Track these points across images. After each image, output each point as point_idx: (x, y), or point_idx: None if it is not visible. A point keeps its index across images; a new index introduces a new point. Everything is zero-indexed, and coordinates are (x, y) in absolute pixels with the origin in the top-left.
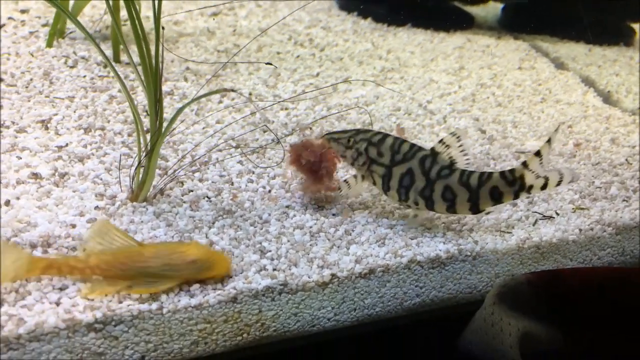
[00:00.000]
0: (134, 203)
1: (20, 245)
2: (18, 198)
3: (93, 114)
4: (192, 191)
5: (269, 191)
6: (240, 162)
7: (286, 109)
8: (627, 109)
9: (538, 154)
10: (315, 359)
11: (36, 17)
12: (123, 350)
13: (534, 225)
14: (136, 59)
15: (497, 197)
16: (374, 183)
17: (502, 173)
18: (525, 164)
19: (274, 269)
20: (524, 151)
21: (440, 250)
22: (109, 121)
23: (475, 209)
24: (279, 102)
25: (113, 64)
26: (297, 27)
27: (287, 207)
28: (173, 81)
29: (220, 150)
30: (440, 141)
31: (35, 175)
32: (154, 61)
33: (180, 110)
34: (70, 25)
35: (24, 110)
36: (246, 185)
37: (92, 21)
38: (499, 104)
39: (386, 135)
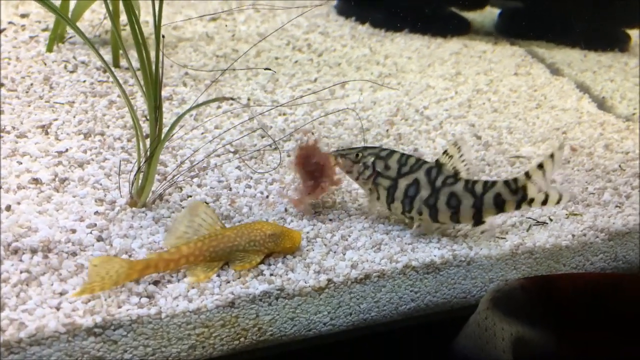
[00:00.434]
0: (133, 208)
1: (116, 255)
2: (19, 203)
3: (93, 119)
4: (190, 196)
5: (267, 197)
6: (238, 167)
7: (284, 114)
8: (621, 115)
9: (540, 166)
10: None
11: (36, 22)
12: (122, 354)
13: (527, 231)
14: (135, 64)
15: (500, 205)
16: (378, 197)
17: (505, 181)
18: (528, 175)
19: (271, 274)
20: (519, 156)
21: (435, 256)
22: (108, 126)
23: (478, 217)
24: (276, 106)
25: (112, 69)
26: (295, 32)
27: (285, 212)
28: (172, 86)
29: (218, 156)
30: (445, 152)
31: (36, 181)
32: (153, 67)
33: (180, 117)
34: (70, 30)
35: (24, 115)
36: (244, 191)
37: (92, 26)
38: (494, 110)
39: (393, 151)
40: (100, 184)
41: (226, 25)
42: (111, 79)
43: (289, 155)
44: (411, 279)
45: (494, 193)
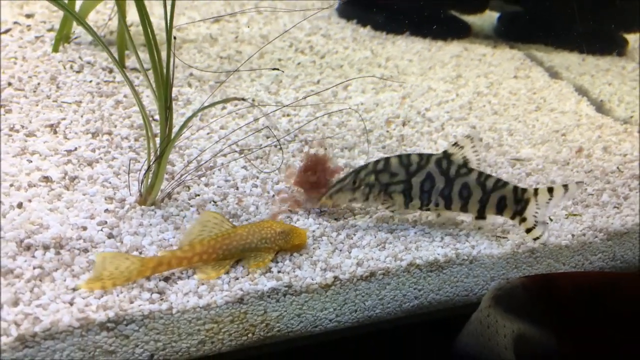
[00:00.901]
0: (143, 206)
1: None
2: (30, 200)
3: (100, 119)
4: (198, 195)
5: (273, 196)
6: (244, 167)
7: (288, 115)
8: (619, 117)
9: (550, 191)
10: (317, 359)
11: (41, 22)
12: (133, 348)
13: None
14: (143, 65)
15: (500, 209)
16: (394, 203)
17: (515, 187)
18: (535, 192)
19: (279, 271)
20: (519, 158)
21: (438, 254)
22: (115, 126)
23: (482, 212)
24: (280, 107)
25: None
26: (298, 34)
27: (291, 211)
28: (177, 87)
29: (224, 156)
30: (455, 144)
31: (46, 179)
32: (164, 68)
33: (191, 116)
34: (75, 30)
35: (32, 115)
36: (251, 190)
37: (97, 26)
38: (495, 112)
39: (387, 158)
40: (110, 183)
41: (248, 27)
42: (117, 79)
43: (293, 156)
44: (415, 276)
45: (501, 195)
